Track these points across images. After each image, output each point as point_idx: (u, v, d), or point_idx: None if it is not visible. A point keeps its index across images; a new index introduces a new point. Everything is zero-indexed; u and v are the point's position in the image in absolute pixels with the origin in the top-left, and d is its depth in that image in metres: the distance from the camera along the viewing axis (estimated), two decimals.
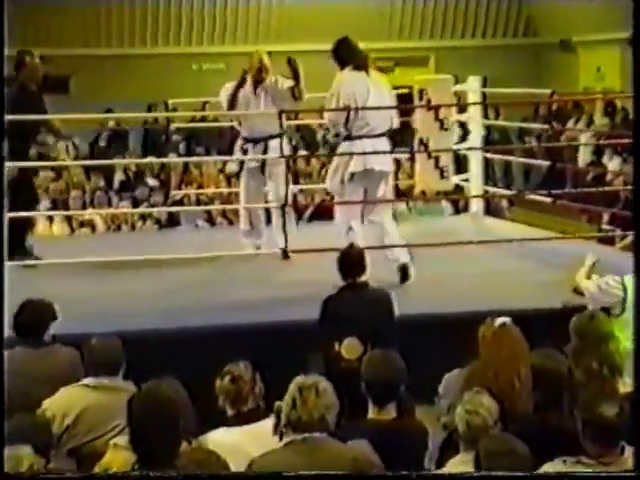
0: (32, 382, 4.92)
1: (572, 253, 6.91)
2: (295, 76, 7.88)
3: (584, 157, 14.44)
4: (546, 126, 12.99)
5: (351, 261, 5.70)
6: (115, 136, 17.22)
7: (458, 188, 9.87)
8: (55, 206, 12.87)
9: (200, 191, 12.83)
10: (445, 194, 9.96)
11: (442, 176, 9.02)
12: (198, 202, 12.45)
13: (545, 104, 14.74)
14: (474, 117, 9.61)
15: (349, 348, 5.34)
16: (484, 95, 9.70)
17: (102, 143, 17.25)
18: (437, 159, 9.00)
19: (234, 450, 4.04)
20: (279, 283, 7.34)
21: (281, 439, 3.89)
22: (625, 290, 5.48)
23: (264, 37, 18.10)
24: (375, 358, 4.72)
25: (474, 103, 9.55)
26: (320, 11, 17.74)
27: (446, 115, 8.95)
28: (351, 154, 7.26)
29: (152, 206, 12.76)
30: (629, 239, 8.22)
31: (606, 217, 11.34)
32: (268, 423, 4.23)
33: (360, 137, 7.27)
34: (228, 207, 11.13)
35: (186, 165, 14.02)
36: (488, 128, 12.51)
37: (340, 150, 7.39)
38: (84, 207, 12.88)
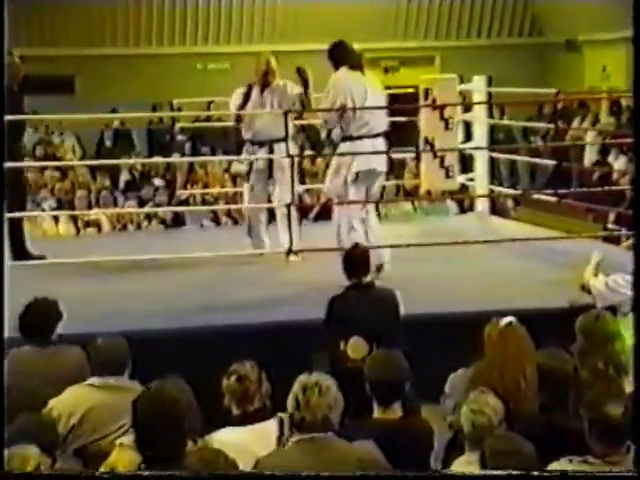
0: (39, 381, 4.92)
1: (578, 252, 6.91)
2: (305, 85, 7.87)
3: (590, 156, 14.41)
4: (552, 125, 12.95)
5: (356, 261, 5.70)
6: (120, 136, 17.24)
7: (464, 187, 9.87)
8: (61, 206, 12.90)
9: (205, 191, 12.84)
10: (450, 193, 9.96)
11: (447, 175, 9.01)
12: (203, 202, 12.46)
13: (550, 103, 14.70)
14: (479, 116, 9.60)
15: (355, 348, 5.34)
16: (489, 94, 9.69)
17: (108, 143, 17.28)
18: (442, 158, 8.99)
19: (240, 450, 4.04)
20: (284, 283, 7.33)
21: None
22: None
23: (269, 37, 18.10)
24: (378, 358, 4.73)
25: (479, 102, 9.54)
26: (325, 11, 17.73)
27: (451, 114, 8.94)
28: (354, 154, 7.28)
29: (157, 206, 12.77)
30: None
31: (612, 216, 11.33)
32: (274, 423, 4.24)
33: (361, 137, 7.30)
34: (233, 207, 11.14)
35: (191, 165, 14.04)
36: (493, 127, 12.50)
37: (342, 150, 7.40)
38: (90, 207, 12.89)
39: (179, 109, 15.41)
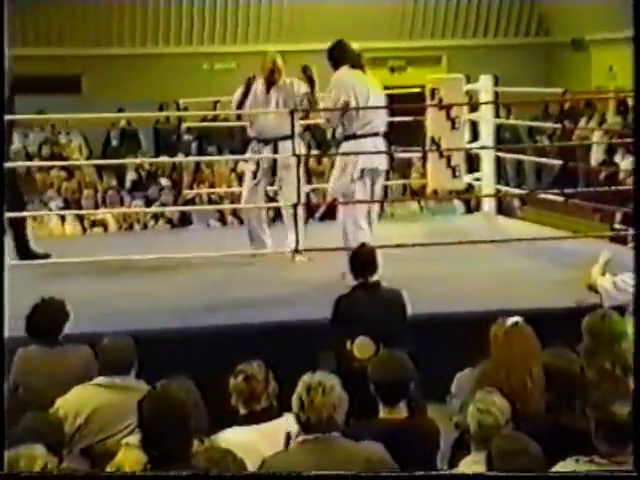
0: (46, 381, 4.93)
1: (584, 252, 6.90)
2: (311, 84, 7.87)
3: (596, 156, 14.38)
4: (558, 125, 12.94)
5: (363, 260, 5.70)
6: (127, 136, 17.26)
7: (470, 187, 9.87)
8: (67, 205, 12.93)
9: (212, 190, 12.85)
10: (457, 193, 9.95)
11: (454, 175, 9.01)
12: (210, 201, 12.46)
13: (557, 103, 14.69)
14: (486, 116, 9.60)
15: (361, 347, 5.33)
16: (496, 94, 9.69)
17: (114, 143, 17.30)
18: (449, 158, 8.99)
19: (246, 449, 4.03)
20: (290, 282, 7.32)
21: None
22: None
23: (275, 36, 18.09)
24: (381, 359, 4.72)
25: (486, 102, 9.54)
26: (332, 10, 17.73)
27: (458, 114, 8.94)
28: (358, 153, 7.28)
29: (164, 205, 12.78)
30: None
31: (619, 216, 11.31)
32: (281, 422, 4.24)
33: (364, 136, 7.31)
34: (239, 206, 11.11)
35: (198, 164, 14.05)
36: (499, 127, 12.50)
37: (346, 150, 7.40)
38: (96, 206, 12.92)
39: (185, 109, 15.42)
